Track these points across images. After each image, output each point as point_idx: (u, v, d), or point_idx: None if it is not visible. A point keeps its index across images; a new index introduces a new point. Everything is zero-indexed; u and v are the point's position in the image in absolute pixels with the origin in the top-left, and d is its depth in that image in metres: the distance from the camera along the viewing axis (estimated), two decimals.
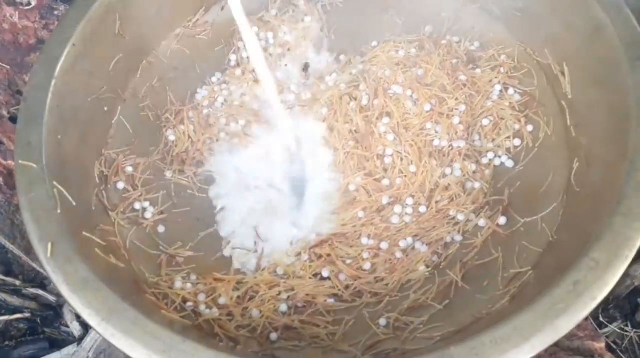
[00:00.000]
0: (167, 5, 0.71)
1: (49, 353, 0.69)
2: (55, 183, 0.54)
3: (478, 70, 0.69)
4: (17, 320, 0.72)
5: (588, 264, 0.46)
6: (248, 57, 0.74)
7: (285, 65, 0.74)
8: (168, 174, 0.67)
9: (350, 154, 0.66)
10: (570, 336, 0.64)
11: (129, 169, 0.66)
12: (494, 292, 0.56)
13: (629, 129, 0.51)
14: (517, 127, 0.66)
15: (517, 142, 0.65)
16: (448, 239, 0.61)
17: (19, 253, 0.75)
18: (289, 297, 0.59)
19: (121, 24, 0.66)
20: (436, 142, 0.65)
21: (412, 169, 0.64)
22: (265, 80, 0.62)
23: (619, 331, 0.70)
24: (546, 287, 0.46)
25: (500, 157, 0.65)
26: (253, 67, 0.66)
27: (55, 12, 0.78)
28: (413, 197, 0.62)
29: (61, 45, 0.61)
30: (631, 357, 0.69)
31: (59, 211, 0.52)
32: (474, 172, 0.64)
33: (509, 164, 0.65)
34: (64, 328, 0.72)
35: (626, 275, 0.71)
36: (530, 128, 0.66)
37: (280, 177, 0.67)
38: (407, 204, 0.62)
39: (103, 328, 0.46)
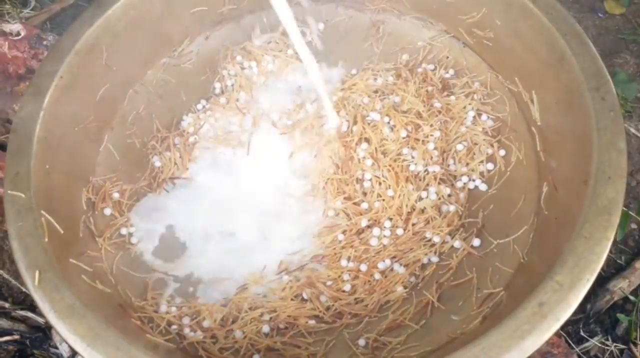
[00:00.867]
0: (152, 36, 0.73)
1: None
2: (43, 212, 0.56)
3: (452, 97, 0.72)
4: (6, 342, 0.72)
5: (552, 286, 0.48)
6: (232, 85, 0.77)
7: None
8: None
9: (330, 179, 0.68)
10: (544, 353, 0.66)
11: (116, 195, 0.68)
12: (468, 312, 0.58)
13: (591, 154, 0.54)
14: (490, 151, 0.68)
15: (490, 166, 0.68)
16: (425, 260, 0.63)
17: (8, 277, 0.76)
18: (271, 318, 0.60)
19: (108, 55, 0.68)
20: (412, 167, 0.67)
21: (390, 193, 0.66)
22: (307, 61, 0.65)
23: (599, 345, 0.71)
24: (517, 307, 0.48)
25: (474, 180, 0.67)
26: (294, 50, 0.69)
27: (44, 42, 0.80)
28: (391, 219, 0.64)
29: (49, 77, 0.63)
30: None
31: (46, 239, 0.54)
32: (449, 196, 0.66)
33: (483, 187, 0.67)
34: (53, 350, 0.73)
35: (606, 290, 0.73)
36: (502, 152, 0.68)
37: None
38: (385, 227, 0.64)
39: (88, 354, 0.48)
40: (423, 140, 0.68)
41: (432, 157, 0.68)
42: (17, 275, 0.76)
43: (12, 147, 0.59)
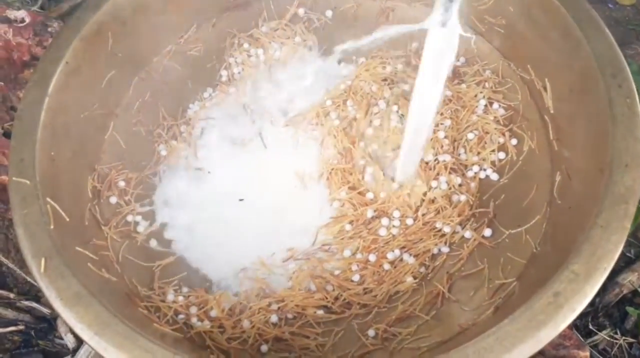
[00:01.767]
0: (159, 23, 0.72)
1: None
2: (48, 199, 0.55)
3: (463, 85, 0.71)
4: (11, 332, 0.72)
5: (568, 276, 0.47)
6: (239, 73, 0.76)
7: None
8: None
9: (334, 169, 0.67)
10: (555, 345, 0.65)
11: (122, 184, 0.67)
12: (479, 303, 0.57)
13: (607, 142, 0.53)
14: (501, 140, 0.67)
15: (501, 155, 0.67)
16: (435, 251, 0.62)
17: (13, 267, 0.76)
18: (279, 308, 0.60)
19: (114, 41, 0.68)
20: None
21: (395, 186, 0.65)
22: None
23: (608, 339, 0.71)
24: (529, 298, 0.47)
25: (485, 170, 0.66)
26: None
27: (49, 29, 0.79)
28: (399, 209, 0.64)
29: (54, 63, 0.62)
30: None
31: (52, 227, 0.53)
32: (460, 185, 0.65)
33: (494, 176, 0.66)
34: (58, 340, 0.72)
35: (615, 283, 0.72)
36: (514, 141, 0.67)
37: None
38: (394, 217, 0.64)
39: (95, 342, 0.47)
40: (433, 129, 0.67)
41: (442, 146, 0.67)
42: (22, 265, 0.76)
43: (17, 133, 0.58)
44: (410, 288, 0.60)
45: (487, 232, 0.62)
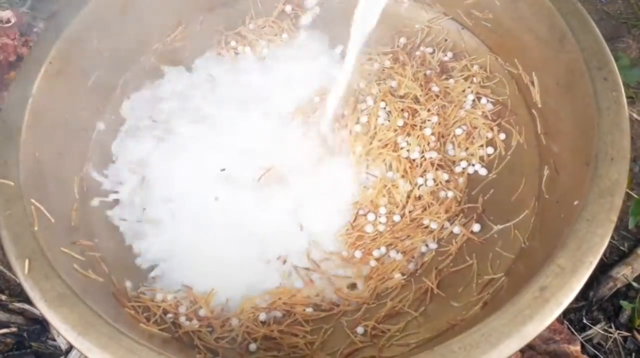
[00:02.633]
0: (145, 21, 0.72)
1: None
2: (32, 200, 0.55)
3: (451, 81, 0.71)
4: (3, 334, 0.72)
5: (554, 270, 0.47)
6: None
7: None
8: None
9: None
10: (546, 339, 0.65)
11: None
12: (468, 298, 0.57)
13: (593, 135, 0.53)
14: (489, 135, 0.67)
15: (490, 150, 0.67)
16: (423, 247, 0.62)
17: (3, 269, 0.75)
18: (267, 306, 0.59)
19: (99, 40, 0.67)
20: (405, 154, 0.66)
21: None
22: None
23: (602, 332, 0.70)
24: (517, 292, 0.47)
25: (473, 165, 0.66)
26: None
27: (35, 29, 0.79)
28: (386, 206, 0.63)
29: (38, 63, 0.62)
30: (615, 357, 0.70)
31: (36, 228, 0.53)
32: (447, 181, 0.65)
33: (483, 172, 0.66)
34: (50, 342, 0.72)
35: (609, 277, 0.72)
36: (502, 136, 0.67)
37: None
38: (380, 213, 0.63)
39: (79, 343, 0.47)
40: (420, 126, 0.67)
41: (429, 143, 0.66)
42: (10, 266, 0.75)
43: (0, 135, 0.58)
44: (399, 285, 0.60)
45: (476, 227, 0.62)
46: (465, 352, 0.44)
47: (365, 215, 0.64)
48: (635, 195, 0.77)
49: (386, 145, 0.66)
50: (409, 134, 0.67)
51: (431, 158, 0.65)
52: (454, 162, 0.67)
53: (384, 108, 0.69)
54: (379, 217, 0.63)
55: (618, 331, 0.70)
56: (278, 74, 0.75)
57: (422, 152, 0.66)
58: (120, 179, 0.68)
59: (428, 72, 0.71)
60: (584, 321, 0.71)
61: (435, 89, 0.69)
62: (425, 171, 0.65)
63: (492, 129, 0.67)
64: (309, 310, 0.59)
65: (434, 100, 0.69)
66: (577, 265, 0.47)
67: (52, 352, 0.72)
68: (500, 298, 0.55)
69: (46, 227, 0.55)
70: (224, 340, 0.57)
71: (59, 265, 0.52)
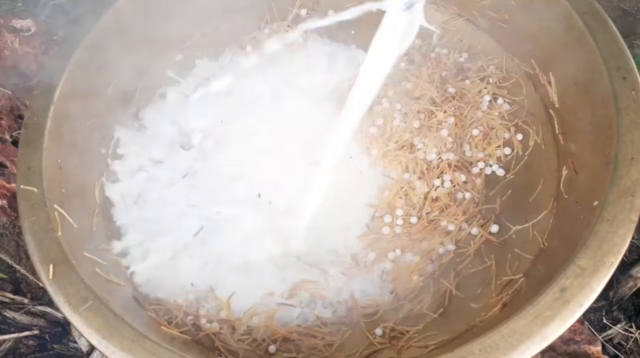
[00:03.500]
0: (162, 29, 0.72)
1: None
2: (55, 206, 0.56)
3: (467, 82, 0.71)
4: (26, 337, 0.73)
5: (574, 271, 0.47)
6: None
7: None
8: None
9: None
10: (566, 340, 0.64)
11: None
12: (487, 300, 0.57)
13: (612, 135, 0.52)
14: (507, 136, 0.67)
15: (507, 150, 0.66)
16: (441, 249, 0.62)
17: (26, 273, 0.77)
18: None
19: (118, 48, 0.68)
20: (421, 156, 0.66)
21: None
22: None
23: (623, 332, 0.70)
24: (536, 294, 0.47)
25: (491, 166, 0.66)
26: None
27: (55, 38, 0.80)
28: (402, 208, 0.64)
29: (59, 72, 0.63)
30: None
31: (59, 233, 0.54)
32: (465, 183, 0.65)
33: (500, 172, 0.66)
34: (72, 344, 0.73)
35: (629, 276, 0.72)
36: (519, 137, 0.67)
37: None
38: (397, 215, 0.64)
39: (104, 347, 0.48)
40: (436, 127, 0.67)
41: (445, 144, 0.66)
42: (33, 271, 0.76)
43: (24, 142, 0.59)
44: (417, 287, 0.60)
45: (494, 228, 0.62)
46: (485, 353, 0.44)
47: (381, 217, 0.64)
48: None
49: (402, 147, 0.66)
50: (425, 136, 0.67)
51: (448, 159, 0.65)
52: (471, 163, 0.67)
53: (400, 110, 0.69)
54: (396, 219, 0.63)
55: (639, 331, 0.70)
56: (292, 77, 0.75)
57: (439, 154, 0.66)
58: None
59: (444, 73, 0.71)
60: (604, 321, 0.71)
61: (451, 90, 0.69)
62: (442, 172, 0.65)
63: (509, 130, 0.67)
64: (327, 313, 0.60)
65: (450, 101, 0.69)
66: (597, 266, 0.47)
67: (73, 354, 0.73)
68: (519, 299, 0.54)
69: (69, 232, 0.55)
70: (244, 342, 0.58)
71: (82, 270, 0.53)
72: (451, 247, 0.62)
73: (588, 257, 0.47)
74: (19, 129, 0.77)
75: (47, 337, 0.73)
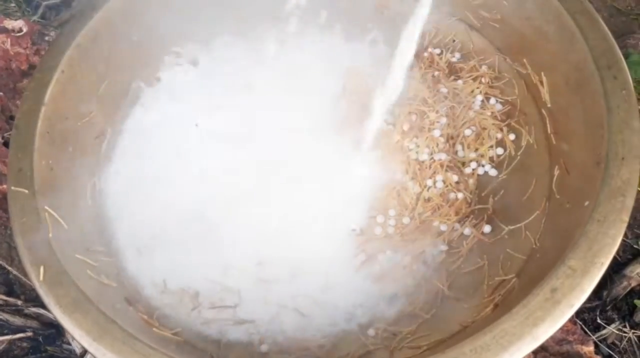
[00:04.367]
0: (152, 30, 0.72)
1: None
2: (46, 207, 0.55)
3: (460, 81, 0.71)
4: (20, 339, 0.72)
5: (565, 272, 0.47)
6: None
7: None
8: None
9: None
10: (559, 340, 0.64)
11: None
12: (479, 300, 0.57)
13: (602, 135, 0.52)
14: (499, 136, 0.67)
15: (499, 150, 0.67)
16: (433, 249, 0.62)
17: (18, 274, 0.77)
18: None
19: (109, 48, 0.68)
20: (413, 156, 0.66)
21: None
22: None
23: (617, 332, 0.70)
24: (529, 294, 0.47)
25: (483, 166, 0.66)
26: None
27: (46, 38, 0.80)
28: (395, 208, 0.64)
29: (50, 71, 0.62)
30: (630, 357, 0.69)
31: (50, 235, 0.54)
32: (457, 183, 0.65)
33: (493, 172, 0.66)
34: (65, 346, 0.73)
35: (623, 276, 0.72)
36: (512, 136, 0.67)
37: None
38: (390, 215, 0.64)
39: (94, 349, 0.48)
40: (428, 128, 0.67)
41: (437, 145, 0.66)
42: (25, 272, 0.76)
43: (15, 143, 0.59)
44: (409, 287, 0.60)
45: (487, 228, 0.62)
46: (476, 354, 0.44)
47: (374, 217, 0.64)
48: None
49: (394, 147, 0.66)
50: (417, 136, 0.67)
51: (440, 159, 0.65)
52: (463, 163, 0.67)
53: (392, 111, 0.69)
54: (388, 219, 0.63)
55: (633, 330, 0.70)
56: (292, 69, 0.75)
57: (431, 154, 0.66)
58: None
59: (436, 73, 0.71)
60: (598, 321, 0.71)
61: (443, 90, 0.69)
62: (434, 173, 0.65)
63: (501, 130, 0.67)
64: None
65: (443, 101, 0.69)
66: (588, 267, 0.47)
67: (67, 356, 0.72)
68: (511, 299, 0.54)
69: (60, 234, 0.55)
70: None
71: (73, 272, 0.53)
72: (444, 247, 0.62)
73: (579, 258, 0.47)
74: (10, 129, 0.77)
75: (40, 338, 0.73)
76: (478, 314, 0.55)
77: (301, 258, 0.62)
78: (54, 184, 0.59)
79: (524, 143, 0.66)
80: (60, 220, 0.56)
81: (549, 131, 0.63)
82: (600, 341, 0.69)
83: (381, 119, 0.66)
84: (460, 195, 0.64)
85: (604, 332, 0.70)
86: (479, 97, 0.69)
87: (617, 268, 0.73)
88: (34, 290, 0.75)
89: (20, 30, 0.79)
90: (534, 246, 0.58)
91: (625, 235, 0.74)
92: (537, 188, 0.62)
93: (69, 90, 0.63)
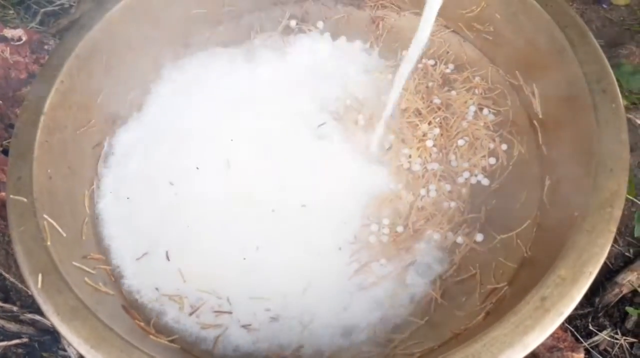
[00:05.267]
0: (152, 39, 0.73)
1: None
2: (45, 215, 0.56)
3: (453, 92, 0.72)
4: (16, 345, 0.72)
5: (555, 280, 0.48)
6: None
7: None
8: None
9: None
10: (550, 347, 0.65)
11: None
12: (471, 308, 0.58)
13: (592, 146, 0.54)
14: (492, 146, 0.68)
15: (492, 160, 0.68)
16: (427, 257, 0.63)
17: (15, 281, 0.77)
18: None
19: (108, 58, 0.69)
20: (407, 166, 0.67)
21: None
22: None
23: (609, 339, 0.71)
24: (519, 302, 0.48)
25: (476, 175, 0.67)
26: None
27: (46, 47, 0.81)
28: (389, 217, 0.64)
29: (49, 81, 0.63)
30: None
31: (49, 243, 0.54)
32: (450, 192, 0.66)
33: (485, 182, 0.67)
34: (61, 352, 0.73)
35: (614, 283, 0.72)
36: (504, 147, 0.68)
37: None
38: (384, 224, 0.64)
39: (92, 356, 0.48)
40: (421, 138, 0.68)
41: (430, 154, 0.67)
42: (23, 279, 0.76)
43: (14, 151, 0.59)
44: (403, 294, 0.61)
45: (479, 237, 0.63)
46: None
47: (368, 225, 0.65)
48: None
49: (388, 157, 0.67)
50: (410, 146, 0.68)
51: (433, 169, 0.66)
52: (456, 173, 0.68)
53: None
54: (382, 228, 0.64)
55: (624, 337, 0.71)
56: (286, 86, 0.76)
57: (425, 164, 0.67)
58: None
59: (430, 84, 0.72)
60: (590, 327, 0.71)
61: (437, 101, 0.70)
62: (427, 182, 0.66)
63: (494, 140, 0.68)
64: None
65: (436, 112, 0.69)
66: (577, 275, 0.47)
67: None
68: (503, 307, 0.55)
69: (58, 242, 0.56)
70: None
71: (71, 279, 0.53)
72: (437, 255, 0.63)
73: (568, 267, 0.48)
74: (10, 138, 0.77)
75: (36, 345, 0.73)
76: (470, 322, 0.55)
77: (293, 266, 0.63)
78: (53, 192, 0.60)
79: (516, 153, 0.67)
80: (59, 228, 0.57)
81: (540, 142, 0.65)
82: (592, 347, 0.70)
83: (378, 129, 0.67)
84: (453, 204, 0.65)
85: (596, 338, 0.71)
86: (472, 108, 0.70)
87: (609, 275, 0.74)
88: (30, 296, 0.76)
89: (20, 39, 0.79)
90: (526, 255, 0.59)
91: (617, 243, 0.75)
92: (529, 198, 0.63)
93: (67, 100, 0.64)
